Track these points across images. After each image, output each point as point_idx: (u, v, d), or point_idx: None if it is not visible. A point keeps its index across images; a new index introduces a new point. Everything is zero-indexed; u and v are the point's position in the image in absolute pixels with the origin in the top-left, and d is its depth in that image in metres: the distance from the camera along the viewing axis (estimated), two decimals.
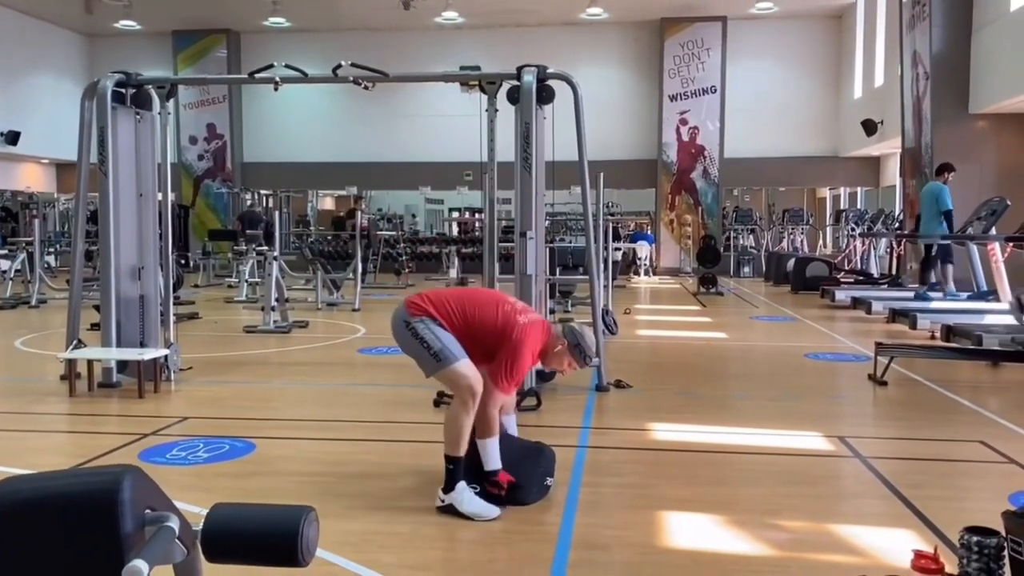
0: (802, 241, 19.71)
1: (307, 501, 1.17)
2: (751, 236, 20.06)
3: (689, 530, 3.49)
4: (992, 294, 9.90)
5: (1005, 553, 2.61)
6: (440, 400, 5.66)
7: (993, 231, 9.66)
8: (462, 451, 3.62)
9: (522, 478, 3.74)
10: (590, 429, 5.22)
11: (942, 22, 12.77)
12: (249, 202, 20.11)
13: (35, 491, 1.01)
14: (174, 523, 1.03)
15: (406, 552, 3.27)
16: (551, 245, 10.18)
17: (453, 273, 13.09)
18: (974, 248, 10.21)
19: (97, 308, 6.81)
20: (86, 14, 18.48)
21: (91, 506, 0.98)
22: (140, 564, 0.92)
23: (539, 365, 3.97)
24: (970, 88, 12.74)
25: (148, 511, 1.02)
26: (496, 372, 3.60)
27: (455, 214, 22.03)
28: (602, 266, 8.80)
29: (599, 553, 3.24)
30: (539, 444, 3.99)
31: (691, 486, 4.07)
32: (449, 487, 3.60)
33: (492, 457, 3.68)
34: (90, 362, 6.25)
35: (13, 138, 18.34)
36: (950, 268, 10.83)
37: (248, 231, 14.89)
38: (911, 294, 11.20)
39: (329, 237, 15.21)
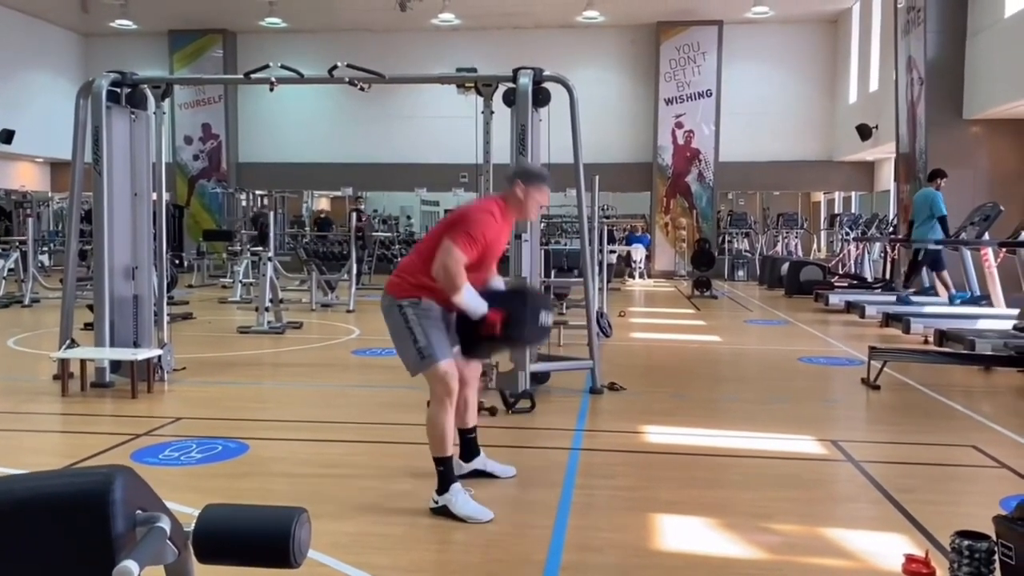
0: (796, 245, 19.75)
1: (300, 502, 1.17)
2: (745, 240, 20.09)
3: (682, 533, 3.49)
4: (985, 299, 9.93)
5: (996, 557, 2.62)
6: None
7: (986, 236, 9.69)
8: (448, 450, 3.63)
9: (513, 316, 3.62)
10: (584, 431, 5.22)
11: (937, 28, 12.83)
12: (246, 204, 20.08)
13: (26, 491, 1.01)
14: (165, 524, 1.03)
15: (399, 554, 3.27)
16: (546, 248, 10.19)
17: None
18: (967, 253, 10.24)
19: (91, 308, 6.79)
20: (82, 13, 18.45)
21: (82, 506, 0.98)
22: (131, 565, 0.92)
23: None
24: (964, 94, 12.78)
25: (139, 512, 1.02)
26: (453, 233, 3.50)
27: None
28: (597, 269, 8.81)
29: (592, 555, 3.24)
30: (521, 284, 3.86)
31: (684, 489, 4.08)
32: (443, 489, 3.60)
33: (474, 303, 3.55)
34: (83, 362, 6.23)
35: (7, 136, 18.27)
36: (945, 274, 10.87)
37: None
38: (907, 297, 11.22)
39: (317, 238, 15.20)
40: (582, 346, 6.95)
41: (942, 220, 10.36)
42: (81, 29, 20.65)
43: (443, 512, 3.58)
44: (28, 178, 21.03)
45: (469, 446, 4.07)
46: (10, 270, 13.13)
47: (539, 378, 6.28)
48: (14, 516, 0.99)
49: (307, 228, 19.05)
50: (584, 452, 4.73)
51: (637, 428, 5.27)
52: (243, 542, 1.06)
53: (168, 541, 1.04)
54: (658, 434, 5.18)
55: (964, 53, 12.75)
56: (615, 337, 9.15)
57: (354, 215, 13.67)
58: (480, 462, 4.08)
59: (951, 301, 10.58)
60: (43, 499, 0.99)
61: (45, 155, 20.51)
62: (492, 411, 5.49)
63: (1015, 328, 7.71)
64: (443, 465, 3.62)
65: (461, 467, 3.97)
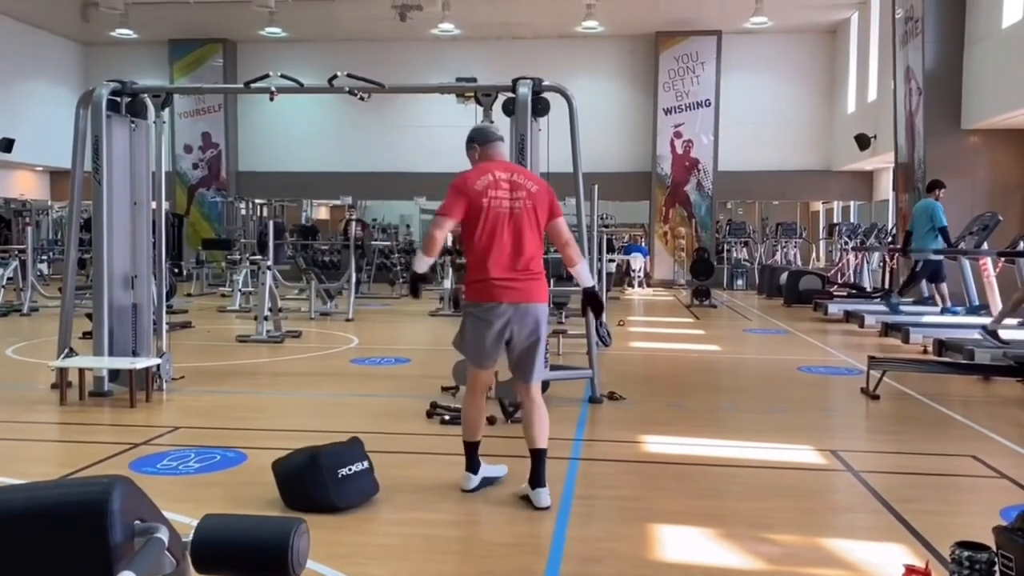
0: (795, 254, 19.77)
1: (298, 512, 1.16)
2: (744, 249, 20.11)
3: (681, 543, 3.48)
4: (984, 309, 9.93)
5: (996, 568, 2.61)
6: (433, 412, 5.65)
7: (985, 246, 9.70)
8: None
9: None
10: (583, 441, 5.22)
11: (935, 38, 12.87)
12: (245, 213, 20.08)
13: (25, 501, 1.01)
14: (163, 534, 1.03)
15: (397, 564, 3.26)
16: (546, 256, 10.18)
17: (447, 284, 13.15)
18: (966, 263, 10.25)
19: (89, 316, 6.79)
20: (82, 22, 18.50)
21: (81, 516, 0.97)
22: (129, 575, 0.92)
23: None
24: (962, 104, 12.82)
25: (138, 522, 1.02)
26: (557, 206, 4.06)
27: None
28: (596, 278, 8.81)
29: (591, 566, 3.23)
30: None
31: (683, 499, 4.07)
32: (540, 483, 3.79)
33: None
34: (81, 371, 6.23)
35: (7, 145, 18.29)
36: (943, 286, 10.87)
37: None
38: (898, 305, 11.21)
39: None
40: (581, 355, 6.94)
41: (943, 231, 10.37)
42: (81, 38, 20.69)
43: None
44: (27, 187, 21.05)
45: (476, 458, 4.10)
46: (9, 279, 13.12)
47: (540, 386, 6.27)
48: (13, 526, 0.99)
49: (299, 237, 19.05)
50: (583, 462, 4.72)
51: (636, 438, 5.26)
52: (241, 553, 1.05)
53: (166, 552, 1.03)
54: (657, 444, 5.17)
55: (962, 63, 12.79)
56: (614, 346, 9.14)
57: (352, 224, 13.68)
58: (485, 470, 4.10)
59: (943, 313, 10.62)
60: (42, 509, 0.99)
61: (45, 164, 20.54)
62: (491, 420, 5.48)
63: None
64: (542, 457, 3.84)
65: (472, 480, 4.02)
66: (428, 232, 3.96)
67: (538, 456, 3.82)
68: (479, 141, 4.05)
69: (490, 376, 4.16)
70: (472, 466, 4.04)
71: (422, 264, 4.02)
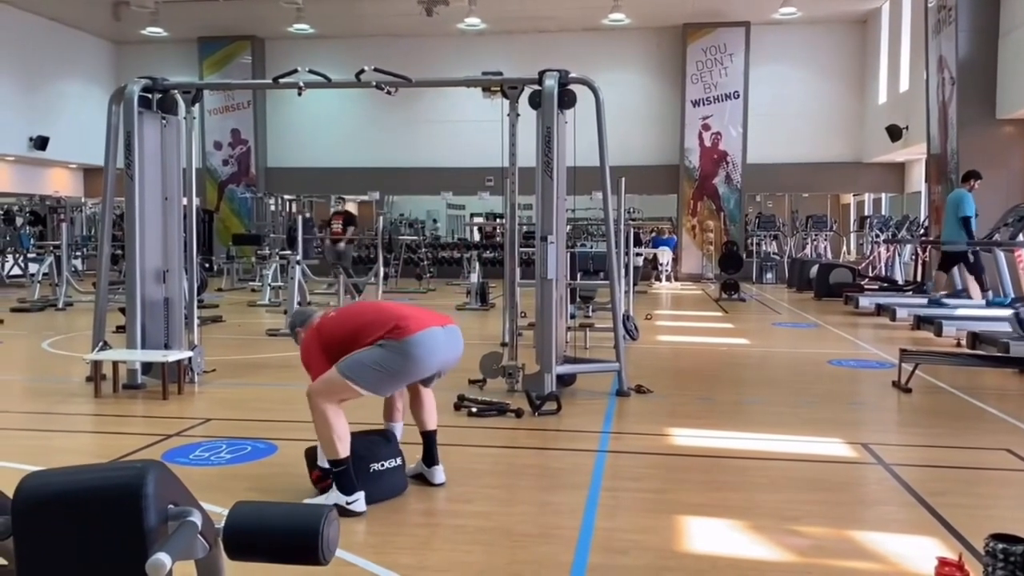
0: (825, 247, 19.55)
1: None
2: (774, 242, 19.93)
3: (709, 535, 3.47)
4: (1020, 301, 9.76)
5: None
6: (460, 404, 5.68)
7: (1020, 237, 9.54)
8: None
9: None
10: (610, 434, 5.21)
11: (968, 27, 12.65)
12: (275, 208, 20.22)
13: (63, 484, 1.03)
14: (197, 518, 1.04)
15: (425, 554, 3.28)
16: (572, 250, 10.18)
17: (474, 278, 13.18)
18: (1001, 255, 10.08)
19: (122, 311, 6.89)
20: (114, 21, 18.75)
21: (116, 499, 0.99)
22: (163, 557, 0.94)
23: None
24: (997, 93, 12.59)
25: (171, 506, 1.04)
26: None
27: (476, 219, 22.09)
28: (623, 271, 8.78)
29: (618, 557, 3.23)
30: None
31: (711, 491, 4.05)
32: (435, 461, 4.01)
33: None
34: (115, 364, 6.33)
35: (42, 143, 18.63)
36: (965, 271, 10.71)
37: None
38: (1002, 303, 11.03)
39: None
40: (608, 349, 6.93)
41: (964, 221, 10.20)
42: (113, 37, 20.97)
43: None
44: (62, 184, 21.38)
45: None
46: (44, 274, 13.35)
47: (565, 380, 6.28)
48: (51, 508, 1.01)
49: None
50: (611, 454, 4.72)
51: (664, 430, 5.24)
52: (272, 539, 1.07)
53: (199, 536, 1.05)
54: (685, 436, 5.15)
55: (996, 52, 12.56)
56: (642, 340, 9.11)
57: (380, 219, 13.73)
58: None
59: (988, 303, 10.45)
60: (79, 492, 1.01)
61: (78, 161, 20.86)
62: (519, 413, 5.50)
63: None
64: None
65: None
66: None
67: (432, 437, 4.06)
68: (300, 323, 4.12)
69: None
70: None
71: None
